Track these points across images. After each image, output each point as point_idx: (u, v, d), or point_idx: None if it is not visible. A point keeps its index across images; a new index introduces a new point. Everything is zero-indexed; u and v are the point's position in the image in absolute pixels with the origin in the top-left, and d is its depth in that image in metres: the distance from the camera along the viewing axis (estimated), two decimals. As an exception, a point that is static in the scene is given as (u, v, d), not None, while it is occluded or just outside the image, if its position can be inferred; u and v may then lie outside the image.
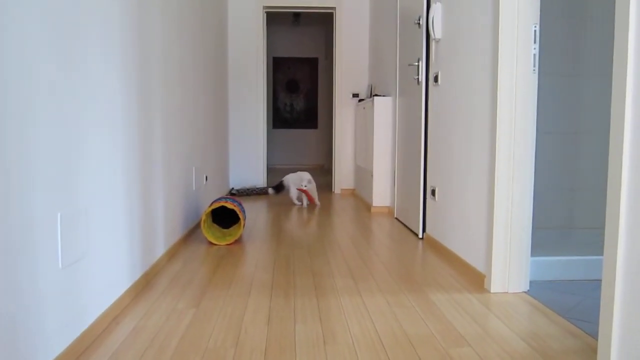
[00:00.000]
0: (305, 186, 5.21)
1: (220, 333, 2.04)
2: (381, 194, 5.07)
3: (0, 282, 1.37)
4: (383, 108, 4.95)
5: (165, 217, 3.12)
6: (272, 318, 2.20)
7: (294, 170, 10.44)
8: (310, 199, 5.37)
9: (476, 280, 2.73)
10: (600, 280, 2.74)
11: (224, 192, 5.96)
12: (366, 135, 5.44)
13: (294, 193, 5.56)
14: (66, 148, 1.76)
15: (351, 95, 6.52)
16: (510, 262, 2.55)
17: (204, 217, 3.54)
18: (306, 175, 5.31)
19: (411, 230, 4.11)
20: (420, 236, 3.84)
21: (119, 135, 2.29)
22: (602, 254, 2.81)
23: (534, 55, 2.48)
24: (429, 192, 3.70)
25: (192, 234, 3.90)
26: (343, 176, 6.62)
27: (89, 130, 1.95)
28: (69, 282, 1.79)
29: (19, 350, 1.47)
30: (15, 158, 1.44)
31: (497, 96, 2.49)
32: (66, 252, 1.75)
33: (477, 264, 2.77)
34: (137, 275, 2.56)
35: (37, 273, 1.57)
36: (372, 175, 5.08)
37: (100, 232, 2.07)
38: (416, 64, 3.88)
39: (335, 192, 6.62)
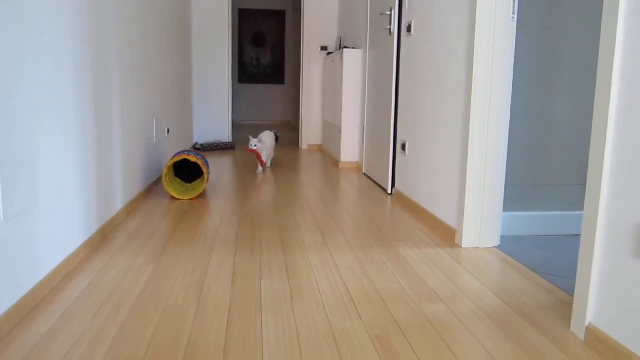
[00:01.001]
0: (255, 146, 4.47)
1: (181, 290, 1.93)
2: (349, 150, 4.97)
3: None
4: (353, 61, 4.80)
5: (124, 169, 2.94)
6: (236, 274, 2.10)
7: (260, 127, 10.26)
8: (260, 160, 4.60)
9: (447, 236, 2.67)
10: (570, 235, 2.72)
11: (187, 146, 5.76)
12: (335, 89, 5.29)
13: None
14: (3, 86, 1.58)
15: (319, 49, 6.32)
16: (482, 216, 2.49)
17: (165, 171, 3.38)
18: (263, 135, 4.69)
19: (380, 186, 4.03)
20: (390, 192, 3.76)
21: (68, 75, 2.09)
22: (571, 210, 2.79)
23: (514, 0, 2.36)
24: (399, 147, 3.61)
25: (153, 188, 3.73)
26: (310, 132, 6.48)
27: (32, 68, 1.76)
28: (13, 235, 1.63)
29: (-47, 309, 1.32)
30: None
31: (474, 44, 2.37)
32: (8, 204, 1.59)
33: (448, 219, 2.71)
34: (93, 230, 2.40)
35: (-26, 225, 1.41)
36: (340, 131, 4.96)
37: (49, 182, 1.90)
38: (388, 13, 3.72)
39: (303, 148, 6.49)
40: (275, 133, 4.94)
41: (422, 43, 3.12)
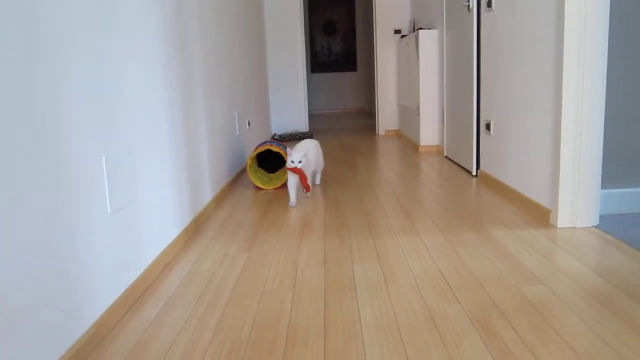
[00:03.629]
0: (300, 162, 2.99)
1: (276, 276, 1.97)
2: (429, 133, 4.88)
3: (50, 228, 1.31)
4: (429, 41, 4.69)
5: (211, 162, 3.04)
6: (328, 259, 2.12)
7: (334, 116, 10.24)
8: (303, 182, 3.11)
9: (540, 216, 2.57)
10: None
11: (266, 138, 5.87)
12: (411, 72, 5.21)
13: (290, 180, 3.11)
14: (105, 88, 1.66)
15: (393, 32, 6.23)
16: (578, 194, 2.37)
17: (249, 162, 3.45)
18: (302, 145, 3.26)
19: (463, 168, 3.94)
20: (474, 173, 3.67)
21: (158, 78, 2.18)
22: (678, 184, 2.60)
23: (607, -36, 2.22)
24: (482, 127, 3.51)
25: (238, 179, 3.83)
26: (387, 117, 6.42)
27: (128, 71, 1.85)
28: (120, 227, 1.73)
29: (73, 298, 1.42)
30: (53, 98, 1.35)
31: (564, 13, 2.25)
32: (114, 197, 1.68)
33: (541, 198, 2.60)
34: (187, 221, 2.50)
35: (87, 218, 1.50)
36: (419, 114, 4.88)
37: (147, 176, 2.00)
38: (466, -11, 3.60)
39: (380, 134, 6.45)
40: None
41: (505, 17, 3.00)
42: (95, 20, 1.60)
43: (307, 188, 3.19)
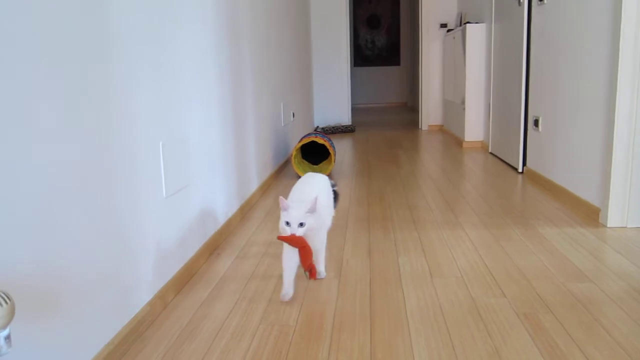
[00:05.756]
0: (301, 225, 1.58)
1: (321, 264, 2.00)
2: (474, 128, 4.83)
3: (112, 209, 1.37)
4: (476, 36, 4.64)
5: (257, 151, 3.09)
6: (372, 251, 2.14)
7: (377, 110, 10.19)
8: (304, 261, 1.62)
9: (589, 215, 2.53)
10: None
11: (309, 130, 5.91)
12: (456, 67, 5.15)
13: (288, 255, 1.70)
14: (164, 77, 1.72)
15: (439, 26, 6.17)
16: (630, 194, 2.32)
17: (294, 152, 3.50)
18: (307, 187, 1.84)
19: (509, 165, 3.89)
20: (520, 170, 3.62)
21: (211, 68, 2.24)
22: None
23: (668, -42, 2.16)
24: (530, 123, 3.45)
25: (282, 169, 3.88)
26: (430, 112, 6.37)
27: (184, 61, 1.91)
28: (173, 211, 1.79)
29: (129, 277, 1.48)
30: (120, 85, 1.41)
31: (621, 9, 2.20)
32: (169, 181, 1.74)
33: (590, 197, 2.56)
34: (235, 208, 2.56)
35: (145, 201, 1.57)
36: (464, 109, 4.83)
37: (198, 163, 2.06)
38: (517, -17, 3.55)
39: (423, 128, 6.41)
40: (332, 186, 2.08)
41: (558, 12, 2.95)
42: (157, 15, 1.66)
43: (312, 271, 1.68)
